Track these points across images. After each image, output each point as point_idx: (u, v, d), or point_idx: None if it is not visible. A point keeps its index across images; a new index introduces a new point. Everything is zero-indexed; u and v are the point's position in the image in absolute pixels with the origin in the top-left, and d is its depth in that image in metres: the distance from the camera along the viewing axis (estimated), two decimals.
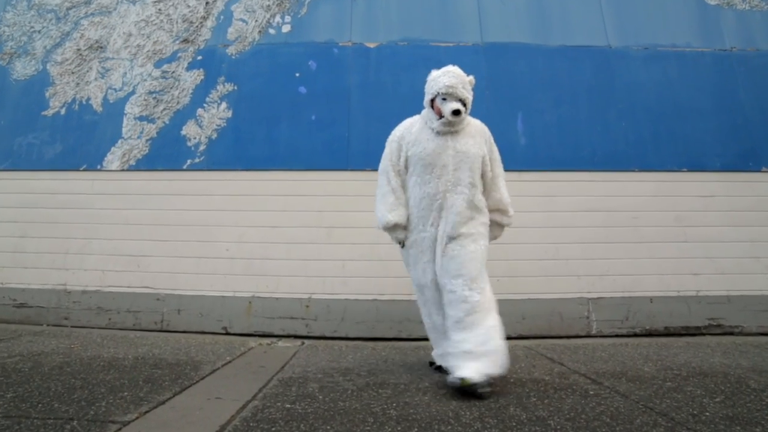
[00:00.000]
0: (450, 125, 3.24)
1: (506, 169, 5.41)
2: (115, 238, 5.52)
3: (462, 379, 2.86)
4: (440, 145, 3.27)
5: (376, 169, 3.56)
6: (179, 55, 5.99)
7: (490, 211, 3.43)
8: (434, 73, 3.34)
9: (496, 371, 2.95)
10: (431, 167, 3.26)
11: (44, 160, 5.77)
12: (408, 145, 3.37)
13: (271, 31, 6.01)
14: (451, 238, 3.21)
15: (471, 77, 3.30)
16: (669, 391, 3.07)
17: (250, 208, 5.49)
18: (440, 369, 3.44)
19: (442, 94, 3.20)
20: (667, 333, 5.18)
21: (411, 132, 3.40)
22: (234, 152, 5.64)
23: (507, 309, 5.10)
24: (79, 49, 6.10)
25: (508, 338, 5.01)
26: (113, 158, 5.69)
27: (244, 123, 5.72)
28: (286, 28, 6.00)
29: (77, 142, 5.79)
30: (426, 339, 3.78)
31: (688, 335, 5.16)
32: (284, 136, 5.66)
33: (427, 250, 3.30)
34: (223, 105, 5.77)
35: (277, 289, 5.30)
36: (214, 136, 5.69)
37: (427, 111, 3.39)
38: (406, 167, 3.40)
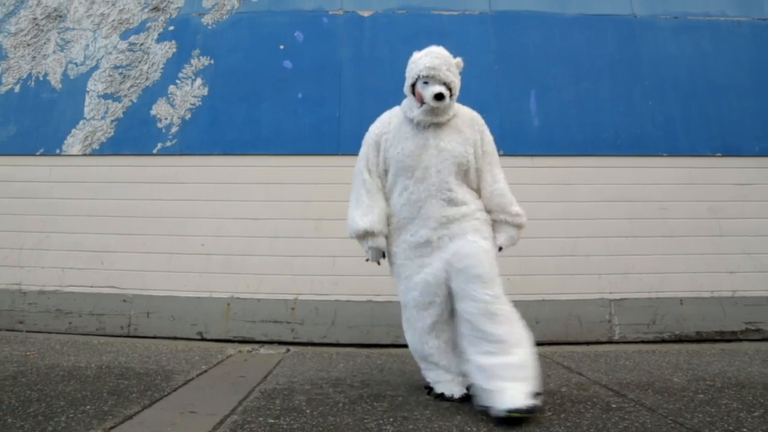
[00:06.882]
0: (433, 113, 3.14)
1: (517, 154, 5.45)
2: (77, 232, 5.48)
3: (511, 411, 2.67)
4: (420, 145, 3.17)
5: None
6: (148, 25, 5.94)
7: (491, 211, 3.28)
8: (415, 55, 3.27)
9: (537, 388, 2.86)
10: (411, 170, 3.17)
11: None
12: (387, 144, 3.27)
13: None
14: (454, 240, 3.11)
15: (458, 59, 3.21)
16: (701, 404, 3.06)
17: (228, 197, 5.47)
18: (442, 396, 3.22)
19: (423, 77, 3.11)
20: (700, 339, 5.18)
21: (389, 129, 3.31)
22: (210, 135, 5.61)
23: (519, 312, 5.11)
24: (35, 18, 6.04)
25: None
26: (74, 141, 5.65)
27: (221, 102, 5.69)
28: None
29: (33, 123, 5.75)
30: None
31: (723, 341, 5.15)
32: (267, 116, 5.63)
33: (419, 248, 3.18)
34: (198, 81, 5.73)
35: (258, 290, 5.28)
36: (188, 116, 5.66)
37: (408, 99, 3.31)
38: (386, 170, 3.31)
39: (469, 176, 3.24)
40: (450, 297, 3.12)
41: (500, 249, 3.26)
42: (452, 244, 3.09)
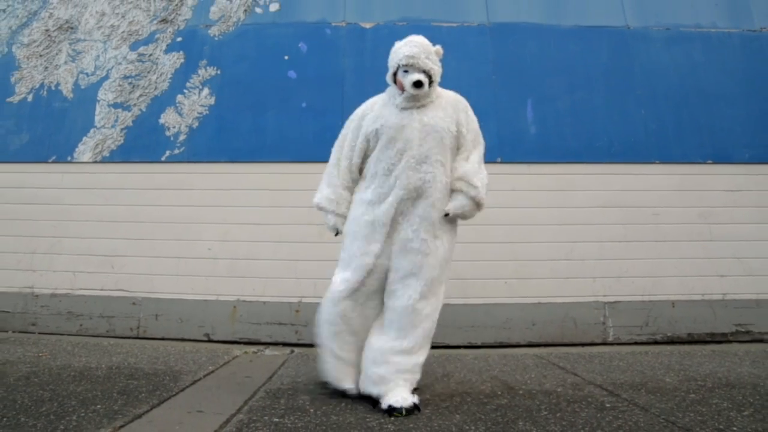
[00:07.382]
0: (414, 99, 3.13)
1: (515, 161, 5.44)
2: (87, 237, 5.50)
3: (398, 409, 2.84)
4: (405, 118, 3.14)
5: None
6: (157, 36, 5.96)
7: (454, 179, 3.19)
8: (396, 45, 3.24)
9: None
10: (393, 141, 3.13)
11: (9, 151, 5.75)
12: (369, 121, 3.25)
13: (258, 9, 5.98)
14: (408, 225, 3.10)
15: (438, 47, 3.19)
16: (693, 403, 3.06)
17: (234, 203, 5.48)
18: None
19: (403, 66, 3.08)
20: (691, 340, 5.18)
21: (373, 109, 3.30)
22: (217, 142, 5.63)
23: (516, 314, 5.12)
24: (47, 30, 6.07)
25: (517, 345, 5.05)
26: (85, 149, 5.67)
27: (228, 111, 5.71)
28: (274, 7, 5.98)
29: (46, 131, 5.76)
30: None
31: (713, 342, 5.16)
32: (272, 125, 5.65)
33: (375, 232, 3.14)
34: (205, 91, 5.75)
35: (264, 293, 5.28)
36: (196, 124, 5.67)
37: (390, 88, 3.29)
38: (367, 148, 3.28)
39: (451, 154, 3.20)
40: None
41: (446, 215, 3.14)
42: (403, 233, 3.09)
